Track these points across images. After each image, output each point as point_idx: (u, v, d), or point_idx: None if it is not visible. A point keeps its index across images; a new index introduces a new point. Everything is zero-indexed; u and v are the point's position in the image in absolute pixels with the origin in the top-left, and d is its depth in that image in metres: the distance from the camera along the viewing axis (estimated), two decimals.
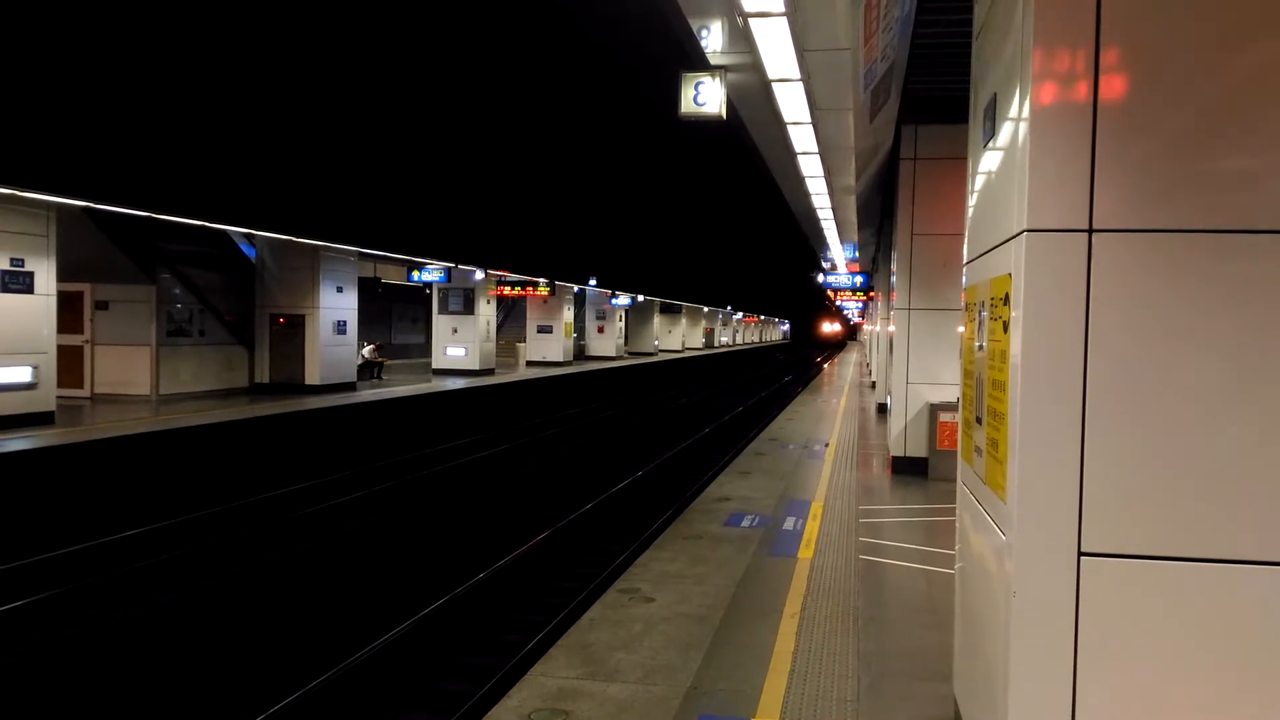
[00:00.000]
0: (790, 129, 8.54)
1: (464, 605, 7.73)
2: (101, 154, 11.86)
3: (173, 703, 6.06)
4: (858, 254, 24.35)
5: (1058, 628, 2.80)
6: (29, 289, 12.94)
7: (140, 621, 7.48)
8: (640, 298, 40.11)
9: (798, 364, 59.26)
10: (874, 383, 23.38)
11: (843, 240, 20.19)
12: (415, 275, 24.80)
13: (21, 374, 12.84)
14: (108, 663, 6.70)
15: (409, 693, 6.27)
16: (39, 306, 13.15)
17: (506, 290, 28.24)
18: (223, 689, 6.26)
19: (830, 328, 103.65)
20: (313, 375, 19.02)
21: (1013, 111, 3.03)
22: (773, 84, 6.93)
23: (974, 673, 3.59)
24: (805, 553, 7.09)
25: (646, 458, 16.33)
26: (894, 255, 11.78)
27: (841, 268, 25.54)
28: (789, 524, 8.10)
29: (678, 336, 49.08)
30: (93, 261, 15.99)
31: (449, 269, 24.27)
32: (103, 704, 6.04)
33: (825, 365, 50.07)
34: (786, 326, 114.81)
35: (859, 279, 24.52)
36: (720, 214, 42.58)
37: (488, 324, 26.26)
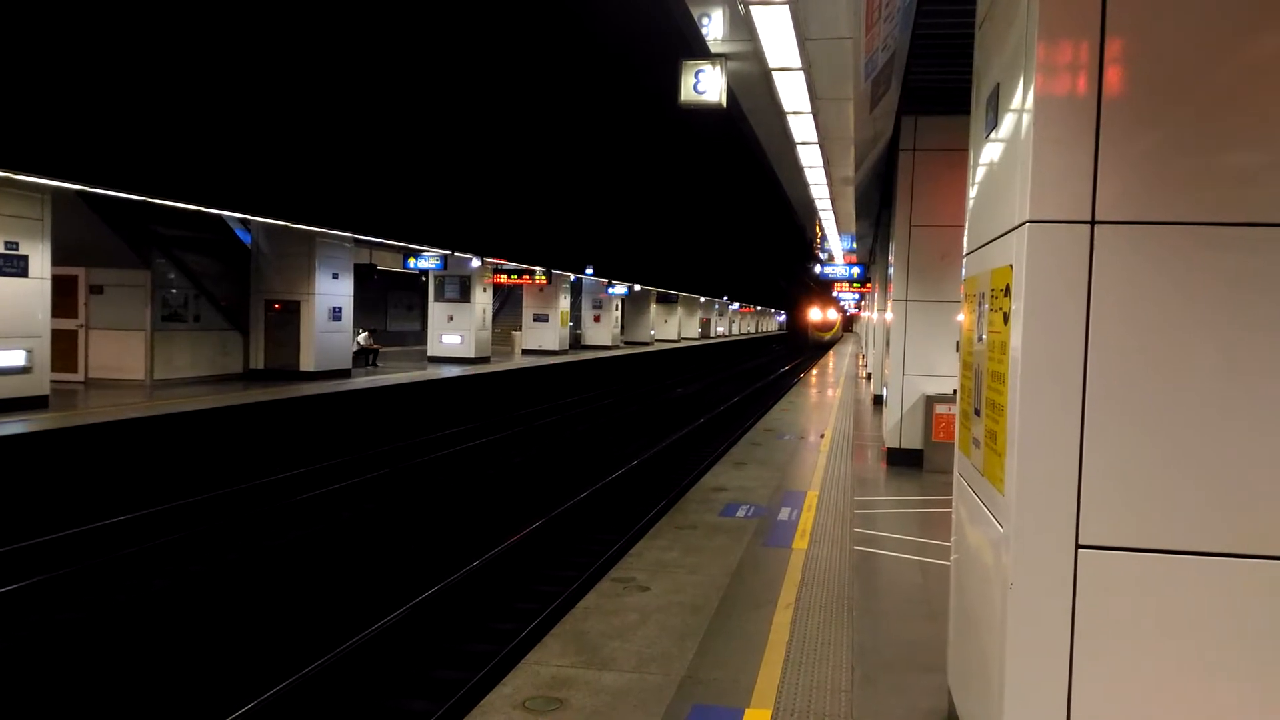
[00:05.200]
0: (790, 118, 8.49)
1: (458, 593, 7.73)
2: (97, 138, 11.78)
3: (167, 688, 6.05)
4: (855, 245, 24.34)
5: (1054, 620, 2.80)
6: (23, 273, 12.87)
7: (134, 607, 7.47)
8: (636, 287, 40.06)
9: (793, 355, 59.25)
10: (869, 374, 23.39)
11: (840, 231, 20.15)
12: (411, 262, 24.74)
13: (15, 358, 12.78)
14: (102, 648, 6.69)
15: (403, 680, 6.27)
16: (33, 290, 13.09)
17: (503, 278, 28.19)
18: (217, 675, 6.26)
19: (820, 317, 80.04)
20: (308, 362, 18.98)
21: (1015, 102, 3.01)
22: (773, 73, 6.88)
23: (968, 664, 3.59)
24: (800, 543, 7.09)
25: (642, 447, 16.33)
26: (892, 247, 11.77)
27: (839, 258, 25.51)
28: (784, 514, 8.10)
29: (674, 326, 49.03)
30: (88, 245, 15.90)
31: (445, 256, 24.21)
32: (98, 689, 6.03)
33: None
34: (783, 317, 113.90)
35: (856, 270, 24.48)
36: (718, 204, 42.51)
37: (484, 312, 26.22)
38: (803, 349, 68.96)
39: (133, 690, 6.01)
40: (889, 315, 12.54)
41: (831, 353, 50.97)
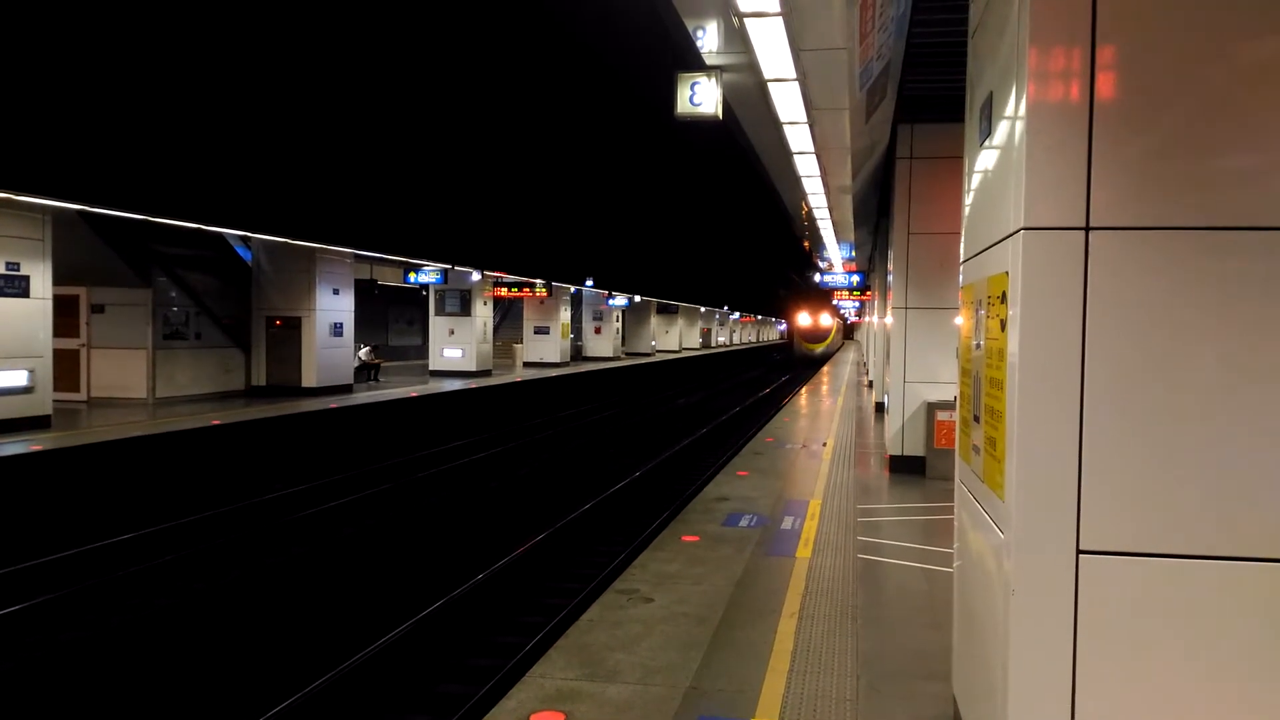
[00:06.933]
0: (786, 129, 8.53)
1: (462, 607, 7.72)
2: (97, 157, 11.83)
3: (171, 708, 6.05)
4: (854, 253, 24.38)
5: (1057, 626, 2.80)
6: (25, 293, 12.91)
7: (137, 626, 7.46)
8: (637, 298, 40.07)
9: (793, 363, 59.03)
10: (870, 382, 23.39)
11: (839, 239, 20.20)
12: (412, 277, 24.76)
13: (18, 378, 12.81)
14: (105, 668, 6.68)
15: (408, 695, 6.26)
16: (35, 310, 13.12)
17: (503, 291, 28.22)
18: (221, 693, 6.25)
19: (810, 322, 62.44)
20: (309, 378, 19.00)
21: (1009, 110, 3.03)
22: (768, 84, 6.92)
23: (973, 671, 3.59)
24: (804, 552, 7.08)
25: (644, 458, 16.32)
26: (891, 254, 11.79)
27: (839, 266, 25.55)
28: (787, 523, 8.09)
29: (675, 337, 49.04)
30: (89, 265, 15.95)
31: (446, 270, 24.24)
32: (100, 710, 6.02)
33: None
34: (784, 326, 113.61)
35: (855, 278, 24.51)
36: (716, 214, 42.58)
37: (484, 325, 26.25)
38: (790, 363, 56.76)
39: (137, 708, 6.00)
40: (889, 321, 12.55)
41: (829, 364, 48.55)
